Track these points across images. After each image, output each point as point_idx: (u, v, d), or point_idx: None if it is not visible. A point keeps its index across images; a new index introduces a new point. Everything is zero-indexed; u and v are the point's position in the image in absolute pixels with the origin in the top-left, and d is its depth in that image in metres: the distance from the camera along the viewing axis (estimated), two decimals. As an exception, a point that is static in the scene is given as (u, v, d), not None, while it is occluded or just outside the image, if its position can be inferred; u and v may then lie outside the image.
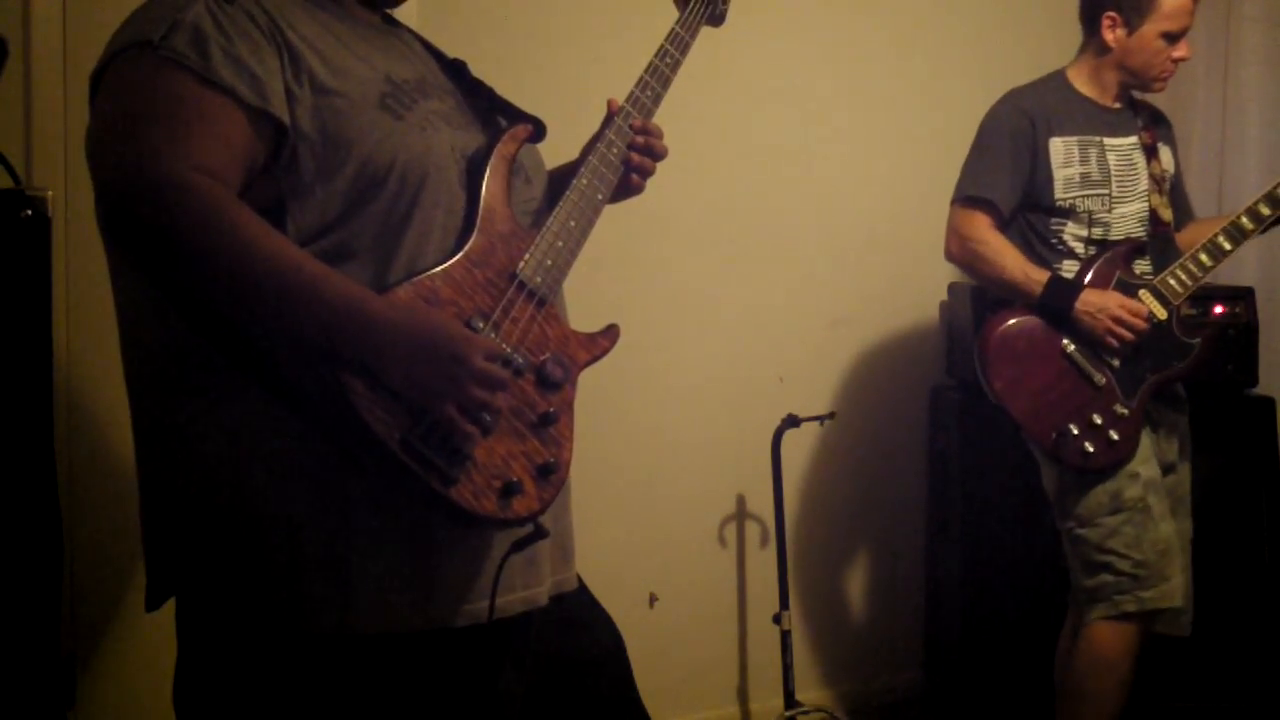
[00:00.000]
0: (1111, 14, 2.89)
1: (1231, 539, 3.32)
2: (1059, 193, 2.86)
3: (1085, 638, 2.84)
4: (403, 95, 1.62)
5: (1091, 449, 2.75)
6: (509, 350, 1.57)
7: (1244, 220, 2.82)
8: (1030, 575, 3.02)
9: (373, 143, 1.55)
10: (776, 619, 3.35)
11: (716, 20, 1.97)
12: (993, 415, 2.87)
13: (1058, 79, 2.98)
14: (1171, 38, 2.87)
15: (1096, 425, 2.76)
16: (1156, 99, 3.06)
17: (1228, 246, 2.82)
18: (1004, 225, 2.90)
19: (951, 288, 3.61)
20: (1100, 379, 2.78)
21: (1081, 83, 2.96)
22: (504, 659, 1.71)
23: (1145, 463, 2.81)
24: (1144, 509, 2.78)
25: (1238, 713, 3.35)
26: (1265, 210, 2.80)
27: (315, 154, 1.53)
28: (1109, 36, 2.90)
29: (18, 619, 1.84)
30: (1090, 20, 2.95)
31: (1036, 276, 2.81)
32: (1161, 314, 2.82)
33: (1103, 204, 2.86)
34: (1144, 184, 2.90)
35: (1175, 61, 2.90)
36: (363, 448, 1.47)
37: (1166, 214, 2.92)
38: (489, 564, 1.60)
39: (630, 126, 1.80)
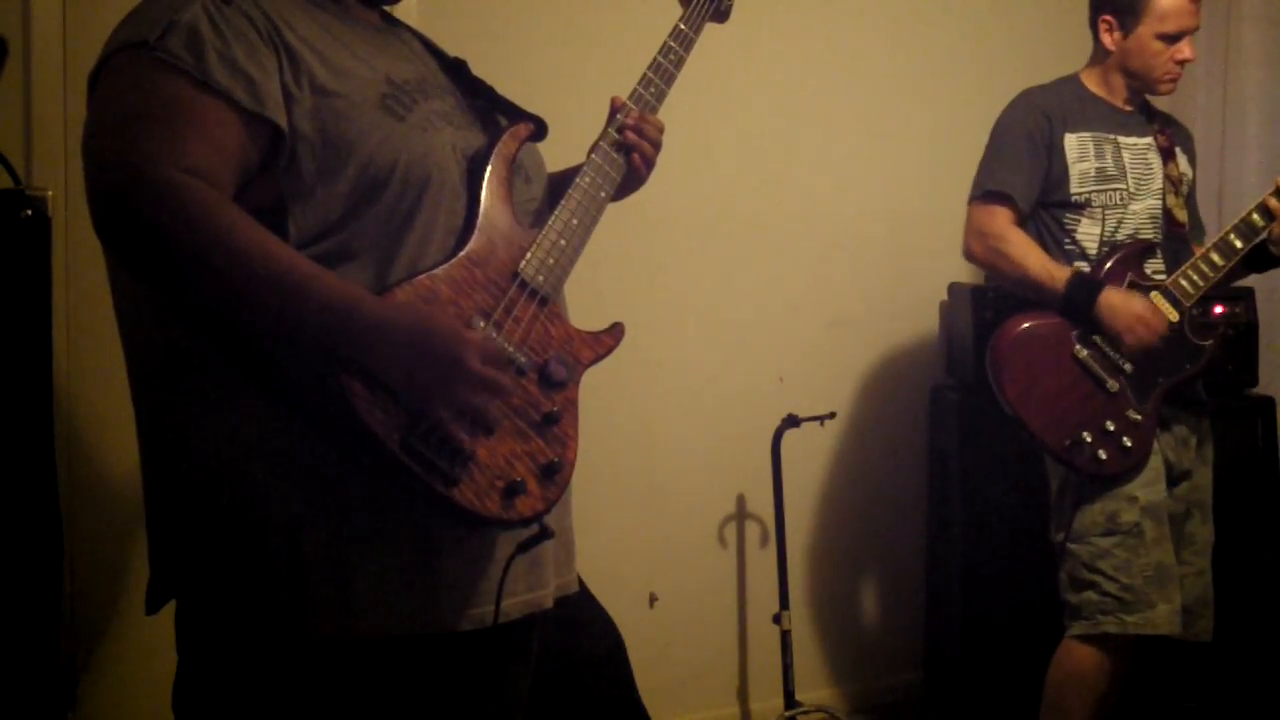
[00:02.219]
0: (1107, 17, 2.89)
1: (1232, 539, 3.31)
2: (1075, 187, 2.85)
3: (1063, 653, 2.83)
4: (403, 96, 1.61)
5: (1104, 456, 2.72)
6: (510, 350, 1.56)
7: (1254, 217, 2.79)
8: (1030, 575, 3.01)
9: (374, 144, 1.54)
10: (776, 619, 3.35)
11: (721, 16, 1.96)
12: (993, 415, 2.86)
13: (1071, 81, 2.98)
14: (1169, 39, 2.85)
15: (1109, 432, 2.73)
16: (1156, 99, 3.06)
17: (1239, 244, 2.79)
18: (1021, 223, 2.88)
19: (951, 288, 3.61)
20: (1113, 385, 2.75)
21: (1094, 85, 2.96)
22: (508, 662, 1.70)
23: (1147, 486, 2.77)
24: (1138, 534, 2.74)
25: (1240, 713, 3.35)
26: (1275, 203, 2.76)
27: (315, 156, 1.52)
28: (1106, 40, 2.90)
29: (18, 621, 1.84)
30: (1092, 24, 2.95)
31: (1059, 275, 2.78)
32: (1173, 316, 2.78)
33: (1119, 198, 2.84)
34: (1158, 183, 2.88)
35: (1179, 63, 2.88)
36: (363, 449, 1.46)
37: (1181, 215, 2.90)
38: (493, 566, 1.59)
39: (626, 119, 1.79)
